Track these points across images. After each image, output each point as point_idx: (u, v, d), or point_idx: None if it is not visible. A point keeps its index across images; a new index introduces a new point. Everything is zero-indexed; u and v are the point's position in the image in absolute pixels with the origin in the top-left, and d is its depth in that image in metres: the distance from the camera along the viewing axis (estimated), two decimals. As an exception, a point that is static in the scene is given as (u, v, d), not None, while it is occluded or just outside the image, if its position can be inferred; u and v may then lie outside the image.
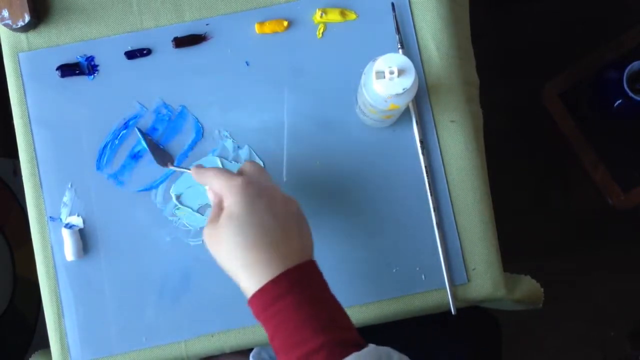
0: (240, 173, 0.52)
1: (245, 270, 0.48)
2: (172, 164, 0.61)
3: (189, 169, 0.55)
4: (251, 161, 0.56)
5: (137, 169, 0.62)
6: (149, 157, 0.62)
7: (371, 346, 0.47)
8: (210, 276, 0.61)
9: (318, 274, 0.50)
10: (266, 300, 0.47)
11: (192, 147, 0.62)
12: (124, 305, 0.61)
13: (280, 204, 0.50)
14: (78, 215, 0.62)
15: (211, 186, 0.52)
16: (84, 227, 0.62)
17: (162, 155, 0.61)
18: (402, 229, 0.62)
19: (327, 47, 0.63)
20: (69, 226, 0.61)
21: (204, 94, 0.63)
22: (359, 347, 0.46)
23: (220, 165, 0.62)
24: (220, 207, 0.51)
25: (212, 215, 0.51)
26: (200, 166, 0.54)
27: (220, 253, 0.49)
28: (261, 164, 0.62)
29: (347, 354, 0.45)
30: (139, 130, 0.61)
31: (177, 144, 0.63)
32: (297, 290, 0.47)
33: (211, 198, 0.53)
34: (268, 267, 0.47)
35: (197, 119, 0.62)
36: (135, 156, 0.62)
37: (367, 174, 0.62)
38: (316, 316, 0.46)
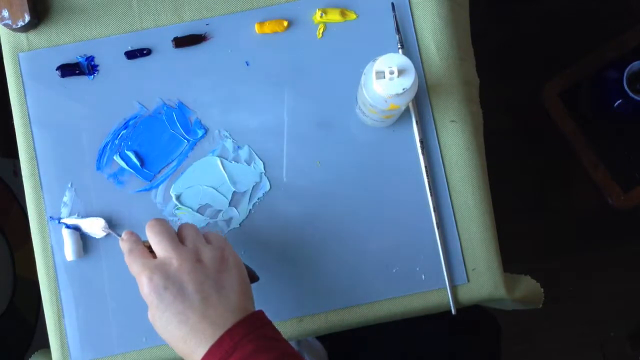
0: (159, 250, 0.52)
1: (184, 344, 0.48)
2: (110, 229, 0.61)
3: (119, 236, 0.55)
4: (151, 227, 0.53)
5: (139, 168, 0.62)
6: (148, 156, 0.62)
7: None
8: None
9: (256, 326, 0.49)
10: None
11: (192, 146, 0.62)
12: (124, 305, 0.61)
13: (191, 280, 0.49)
14: (77, 216, 0.62)
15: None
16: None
17: (94, 224, 0.61)
18: (402, 229, 0.62)
19: (327, 47, 0.63)
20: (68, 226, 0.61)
21: (204, 94, 0.63)
22: None
23: (220, 165, 0.62)
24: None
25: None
26: (131, 232, 0.54)
27: (159, 332, 0.50)
28: (261, 164, 0.62)
29: None
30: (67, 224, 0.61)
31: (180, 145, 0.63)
32: (238, 350, 0.46)
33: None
34: (201, 341, 0.47)
35: (199, 120, 0.62)
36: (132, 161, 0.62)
37: (367, 174, 0.62)
38: None
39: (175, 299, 0.48)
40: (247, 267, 0.56)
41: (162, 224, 0.52)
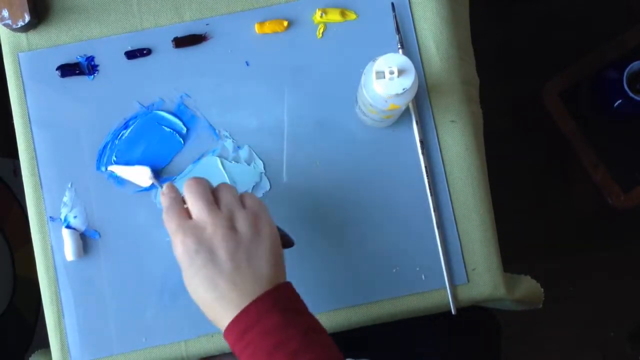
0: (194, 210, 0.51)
1: (211, 309, 0.49)
2: (155, 178, 0.61)
3: (162, 187, 0.55)
4: (188, 187, 0.51)
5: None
6: (149, 157, 0.62)
7: None
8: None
9: (284, 298, 0.49)
10: (237, 332, 0.47)
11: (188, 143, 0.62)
12: (124, 305, 0.61)
13: (223, 247, 0.49)
14: (75, 217, 0.62)
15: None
16: (85, 226, 0.62)
17: (140, 173, 0.61)
18: (402, 229, 0.62)
19: (327, 47, 0.63)
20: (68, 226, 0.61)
21: (204, 94, 0.63)
22: None
23: (220, 165, 0.62)
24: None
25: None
26: (171, 186, 0.53)
27: (190, 292, 0.50)
28: (261, 164, 0.62)
29: None
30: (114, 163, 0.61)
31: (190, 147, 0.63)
32: (262, 321, 0.47)
33: None
34: (225, 316, 0.48)
35: (208, 121, 0.62)
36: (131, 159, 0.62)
37: (367, 174, 0.62)
38: (285, 342, 0.46)
39: (205, 265, 0.48)
40: (282, 232, 0.55)
41: (200, 184, 0.51)
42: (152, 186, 0.62)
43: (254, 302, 0.47)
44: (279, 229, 0.54)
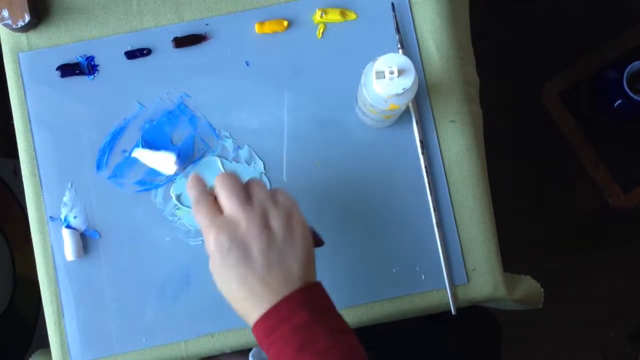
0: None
1: (241, 304, 0.49)
2: (178, 165, 0.61)
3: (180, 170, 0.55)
4: (220, 182, 0.51)
5: (137, 168, 0.62)
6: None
7: None
8: (210, 276, 0.61)
9: (314, 297, 0.49)
10: (266, 328, 0.48)
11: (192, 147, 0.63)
12: (124, 305, 0.61)
13: (257, 246, 0.49)
14: (75, 217, 0.62)
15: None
16: (85, 226, 0.62)
17: (165, 159, 0.61)
18: (402, 229, 0.62)
19: (327, 47, 0.63)
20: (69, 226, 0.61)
21: (204, 94, 0.63)
22: None
23: (220, 165, 0.62)
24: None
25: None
26: (198, 178, 0.53)
27: (218, 286, 0.50)
28: (261, 164, 0.62)
29: None
30: (143, 138, 0.61)
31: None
32: (292, 318, 0.47)
33: None
34: (253, 312, 0.48)
35: (208, 121, 0.62)
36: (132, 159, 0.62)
37: (367, 174, 0.62)
38: (314, 342, 0.46)
39: (237, 262, 0.48)
40: (313, 232, 0.55)
41: (234, 180, 0.51)
42: (152, 186, 0.62)
43: (284, 299, 0.47)
44: (310, 228, 0.53)
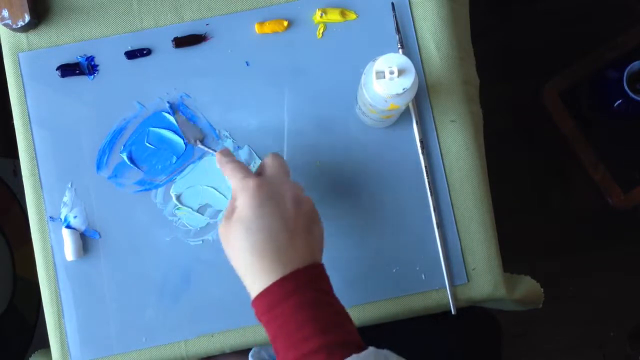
0: (261, 169, 0.54)
1: (250, 272, 0.49)
2: (202, 142, 0.61)
3: (215, 151, 0.56)
4: (274, 155, 0.55)
5: (136, 169, 0.62)
6: (148, 156, 0.62)
7: (371, 349, 0.47)
8: (210, 276, 0.61)
9: (322, 277, 0.51)
10: (269, 302, 0.48)
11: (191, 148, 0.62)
12: (124, 305, 0.61)
13: (291, 206, 0.51)
14: (75, 217, 0.62)
15: (228, 180, 0.54)
16: (85, 226, 0.62)
17: (193, 131, 0.61)
18: (402, 229, 0.62)
19: (327, 47, 0.63)
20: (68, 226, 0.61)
21: (204, 94, 0.63)
22: (359, 349, 0.46)
23: (220, 165, 0.62)
24: (233, 204, 0.51)
25: (227, 212, 0.52)
26: (227, 151, 0.55)
27: (229, 252, 0.51)
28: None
29: (347, 355, 0.45)
30: (170, 106, 0.61)
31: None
32: (300, 293, 0.48)
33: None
34: (272, 272, 0.48)
35: (209, 122, 0.62)
36: (132, 157, 0.62)
37: (367, 174, 0.62)
38: (318, 318, 0.47)
39: (273, 213, 0.50)
40: None
41: (279, 159, 0.54)
42: (152, 186, 0.62)
43: (292, 273, 0.48)
44: None
